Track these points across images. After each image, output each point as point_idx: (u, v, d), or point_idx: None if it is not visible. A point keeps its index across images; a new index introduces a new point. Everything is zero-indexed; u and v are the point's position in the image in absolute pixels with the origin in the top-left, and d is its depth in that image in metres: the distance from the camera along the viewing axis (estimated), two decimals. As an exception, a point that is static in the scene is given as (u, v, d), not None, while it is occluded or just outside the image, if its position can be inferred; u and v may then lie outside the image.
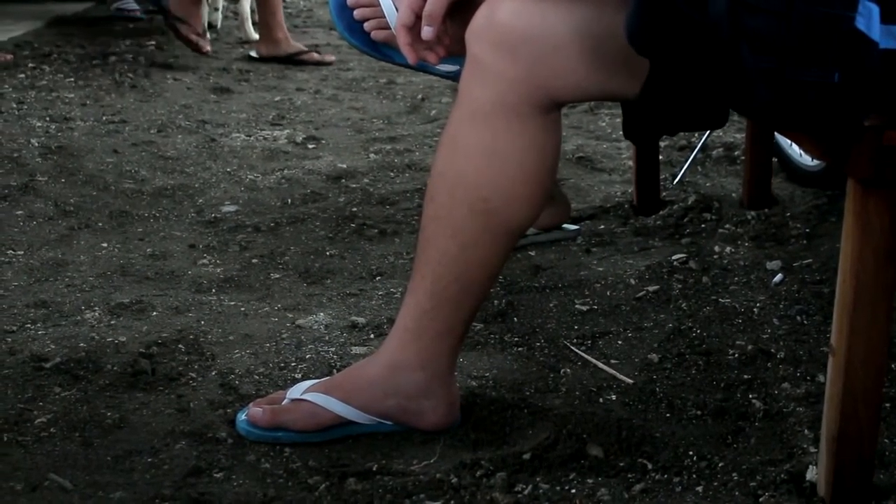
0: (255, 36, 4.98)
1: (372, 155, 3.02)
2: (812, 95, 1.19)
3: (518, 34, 1.37)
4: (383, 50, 1.81)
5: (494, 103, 1.40)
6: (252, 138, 3.19)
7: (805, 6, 1.13)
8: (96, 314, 1.93)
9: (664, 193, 2.55)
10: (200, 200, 2.62)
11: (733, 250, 2.19)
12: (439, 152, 1.47)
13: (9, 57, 4.27)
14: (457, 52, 1.56)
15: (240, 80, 4.05)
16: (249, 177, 2.81)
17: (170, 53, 4.41)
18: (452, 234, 1.45)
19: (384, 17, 1.73)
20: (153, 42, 4.62)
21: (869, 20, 1.15)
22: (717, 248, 2.19)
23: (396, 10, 1.62)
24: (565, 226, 2.32)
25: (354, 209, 2.52)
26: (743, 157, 2.56)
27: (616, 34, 1.32)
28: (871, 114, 1.22)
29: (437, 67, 1.75)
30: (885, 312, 1.28)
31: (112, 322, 1.90)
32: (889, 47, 1.17)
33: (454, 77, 1.69)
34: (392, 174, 2.82)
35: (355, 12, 1.77)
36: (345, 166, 2.89)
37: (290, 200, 2.61)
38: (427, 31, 1.52)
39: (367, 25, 1.77)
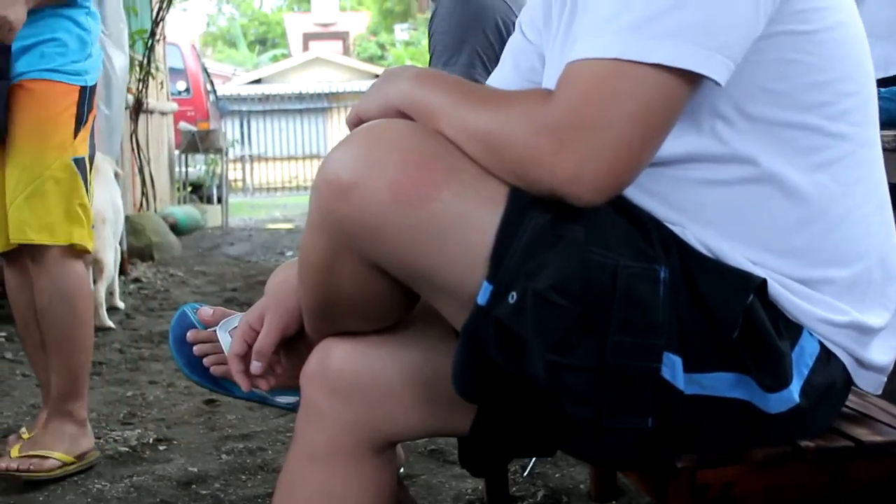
0: (110, 323, 4.95)
1: (224, 455, 2.99)
2: (629, 440, 1.26)
3: (350, 380, 1.42)
4: (223, 384, 1.83)
5: (330, 446, 1.44)
6: (101, 440, 3.14)
7: (615, 360, 1.21)
8: None
9: (514, 488, 2.58)
10: (42, 518, 2.56)
11: (581, 551, 2.22)
12: (277, 492, 1.49)
13: None
14: (293, 386, 1.60)
15: (92, 373, 3.99)
16: (97, 486, 2.75)
17: (19, 346, 4.35)
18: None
19: (223, 352, 1.76)
20: (3, 333, 4.56)
21: (673, 370, 1.23)
22: (565, 551, 2.22)
23: (236, 344, 1.66)
24: (416, 532, 2.32)
25: (204, 520, 2.49)
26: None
27: (445, 376, 1.37)
28: (683, 454, 1.29)
29: (277, 400, 1.78)
30: None
31: None
32: (694, 393, 1.26)
33: (293, 409, 1.72)
34: (244, 477, 2.80)
35: (195, 348, 1.80)
36: (195, 470, 2.85)
37: (136, 513, 2.56)
38: (255, 366, 1.58)
39: (206, 361, 1.80)
